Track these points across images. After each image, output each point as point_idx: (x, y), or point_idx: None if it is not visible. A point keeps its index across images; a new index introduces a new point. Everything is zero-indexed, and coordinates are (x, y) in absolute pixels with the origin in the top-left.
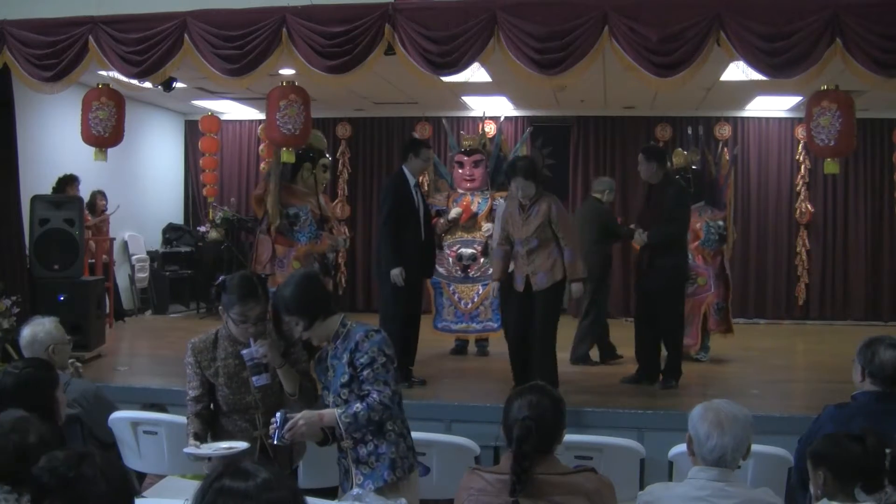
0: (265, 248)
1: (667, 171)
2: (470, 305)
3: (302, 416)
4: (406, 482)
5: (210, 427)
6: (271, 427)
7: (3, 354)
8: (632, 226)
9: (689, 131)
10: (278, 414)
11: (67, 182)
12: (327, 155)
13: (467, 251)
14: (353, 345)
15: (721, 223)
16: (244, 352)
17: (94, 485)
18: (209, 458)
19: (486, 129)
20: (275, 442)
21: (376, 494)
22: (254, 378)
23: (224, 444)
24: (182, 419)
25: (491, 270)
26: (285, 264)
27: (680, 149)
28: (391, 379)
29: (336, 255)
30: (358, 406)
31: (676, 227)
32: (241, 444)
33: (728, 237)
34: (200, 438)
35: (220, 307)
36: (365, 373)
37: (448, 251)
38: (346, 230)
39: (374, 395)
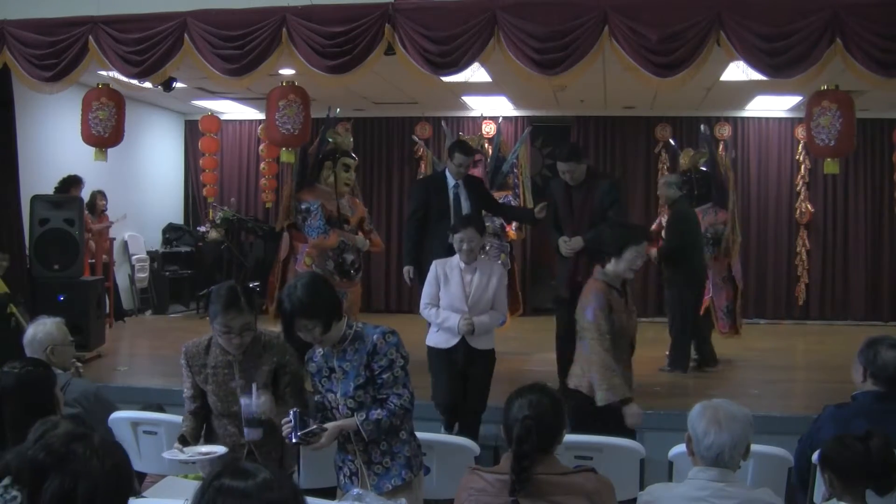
0: (284, 245)
1: (589, 166)
2: None
3: (326, 426)
4: (418, 480)
5: (204, 425)
6: (286, 426)
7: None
8: (563, 238)
9: (703, 129)
10: (292, 412)
11: (72, 183)
12: (353, 155)
13: None
14: (370, 347)
15: (722, 226)
16: (243, 402)
17: (86, 462)
18: (192, 463)
19: (486, 130)
20: (293, 441)
21: (376, 495)
22: (246, 430)
23: (203, 449)
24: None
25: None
26: (299, 260)
27: (689, 149)
28: (408, 381)
29: (358, 256)
30: (379, 412)
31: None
32: (220, 449)
33: (731, 238)
34: (187, 440)
35: (208, 318)
36: (385, 376)
37: None
38: (377, 241)
39: (395, 400)
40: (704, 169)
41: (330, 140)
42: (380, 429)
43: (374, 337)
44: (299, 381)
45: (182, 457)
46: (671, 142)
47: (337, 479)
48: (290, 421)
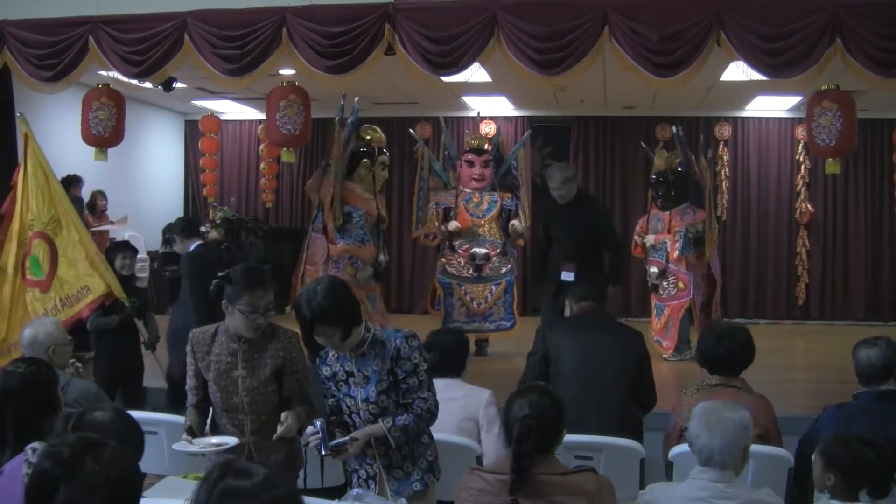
0: (319, 248)
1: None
2: (483, 305)
3: (356, 436)
4: (435, 485)
5: (207, 417)
6: (313, 438)
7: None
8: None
9: (675, 130)
10: (318, 422)
11: (71, 182)
12: (385, 151)
13: (480, 251)
14: (392, 352)
15: (701, 225)
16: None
17: (94, 475)
18: (202, 455)
19: (486, 130)
20: (322, 454)
21: (375, 495)
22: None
23: (214, 440)
24: (182, 420)
25: (504, 270)
26: (340, 267)
27: (663, 150)
28: (432, 384)
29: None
30: (406, 417)
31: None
32: (231, 440)
33: (709, 235)
34: (194, 432)
35: (223, 302)
36: (410, 381)
37: (460, 250)
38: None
39: (421, 404)
40: (680, 170)
41: (367, 137)
42: (408, 434)
43: (397, 341)
44: (305, 384)
45: (192, 448)
46: (643, 144)
47: (349, 482)
48: (317, 433)
